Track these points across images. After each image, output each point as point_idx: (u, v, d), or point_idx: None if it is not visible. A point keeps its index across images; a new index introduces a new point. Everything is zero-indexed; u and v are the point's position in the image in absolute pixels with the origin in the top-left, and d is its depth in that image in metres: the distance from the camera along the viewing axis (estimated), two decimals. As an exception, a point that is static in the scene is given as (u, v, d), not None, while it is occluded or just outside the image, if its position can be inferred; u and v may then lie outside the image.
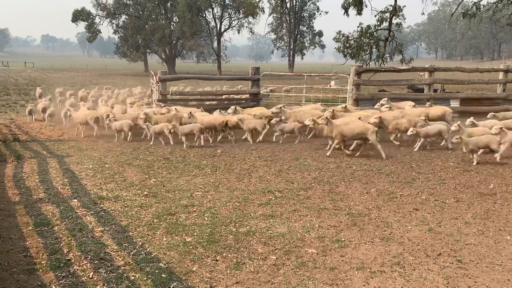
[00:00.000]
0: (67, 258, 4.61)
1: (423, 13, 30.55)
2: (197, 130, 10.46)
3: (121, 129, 11.18)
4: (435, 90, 17.22)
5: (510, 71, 16.26)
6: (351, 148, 9.98)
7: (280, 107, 11.47)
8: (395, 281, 4.20)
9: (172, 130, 10.64)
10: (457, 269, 4.45)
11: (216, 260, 4.61)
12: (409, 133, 9.83)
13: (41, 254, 4.69)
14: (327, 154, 9.66)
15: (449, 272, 4.39)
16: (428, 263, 4.58)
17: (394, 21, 25.51)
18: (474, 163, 8.85)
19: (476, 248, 4.94)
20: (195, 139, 10.79)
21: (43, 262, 4.52)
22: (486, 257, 4.71)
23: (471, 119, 10.46)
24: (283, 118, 11.17)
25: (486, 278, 4.26)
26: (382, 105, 12.24)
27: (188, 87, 22.55)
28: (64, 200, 6.50)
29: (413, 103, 12.30)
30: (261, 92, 17.15)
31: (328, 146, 9.99)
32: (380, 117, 10.27)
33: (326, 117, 9.61)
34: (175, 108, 11.93)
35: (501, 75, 16.32)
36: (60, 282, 4.13)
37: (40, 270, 4.36)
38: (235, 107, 12.27)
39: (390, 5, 24.91)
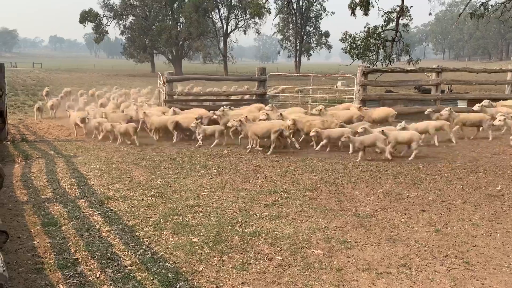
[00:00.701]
0: (75, 257, 4.65)
1: (431, 14, 30.46)
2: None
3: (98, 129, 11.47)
4: (442, 91, 17.11)
5: (518, 72, 16.14)
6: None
7: (223, 110, 11.61)
8: (402, 283, 4.18)
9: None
10: (464, 271, 4.43)
11: (222, 261, 4.62)
12: (311, 133, 9.99)
13: (48, 254, 4.73)
14: (247, 151, 9.97)
15: (456, 273, 4.36)
16: (435, 264, 4.56)
17: (401, 21, 25.45)
18: (358, 159, 9.30)
19: (483, 250, 4.91)
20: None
21: (51, 261, 4.55)
22: (494, 259, 4.68)
23: (403, 123, 10.28)
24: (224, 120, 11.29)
25: (494, 280, 4.23)
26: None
27: (199, 88, 22.71)
28: (72, 200, 6.55)
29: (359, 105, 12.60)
30: (269, 93, 17.18)
31: (249, 144, 10.25)
32: (294, 119, 10.45)
33: (240, 120, 10.06)
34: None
35: (509, 76, 16.20)
36: (67, 281, 4.16)
37: (48, 269, 4.39)
38: (223, 108, 12.22)
39: (397, 6, 24.83)
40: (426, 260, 4.65)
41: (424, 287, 4.11)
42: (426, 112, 12.05)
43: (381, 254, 4.79)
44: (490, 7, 25.61)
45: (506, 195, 6.86)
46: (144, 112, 11.81)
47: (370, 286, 4.13)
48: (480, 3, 25.42)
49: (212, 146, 10.61)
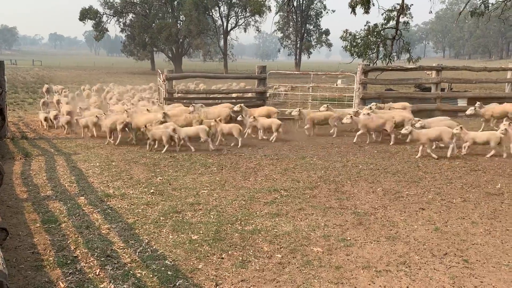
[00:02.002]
0: (74, 255, 4.65)
1: (431, 12, 30.45)
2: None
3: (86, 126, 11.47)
4: (443, 89, 17.11)
5: (518, 70, 16.13)
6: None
7: (196, 107, 11.91)
8: (401, 281, 4.19)
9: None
10: (463, 269, 4.43)
11: (222, 258, 4.63)
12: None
13: (48, 251, 4.74)
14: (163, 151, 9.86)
15: (455, 271, 4.37)
16: (434, 262, 4.57)
17: (401, 19, 25.33)
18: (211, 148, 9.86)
19: (482, 248, 4.92)
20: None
21: (51, 258, 4.56)
22: (493, 257, 4.69)
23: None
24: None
25: (493, 278, 4.24)
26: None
27: (202, 85, 22.85)
28: (71, 198, 6.55)
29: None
30: (271, 91, 17.22)
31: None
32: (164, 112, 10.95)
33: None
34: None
35: (509, 74, 16.20)
36: (67, 278, 4.16)
37: (48, 266, 4.40)
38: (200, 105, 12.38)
39: (398, 4, 24.74)
40: (425, 258, 4.66)
41: (423, 285, 4.12)
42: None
43: (381, 252, 4.80)
44: (490, 5, 25.52)
45: (506, 194, 6.87)
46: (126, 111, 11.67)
47: (369, 284, 4.14)
48: (481, 1, 25.35)
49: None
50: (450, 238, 5.18)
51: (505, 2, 24.03)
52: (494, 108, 12.32)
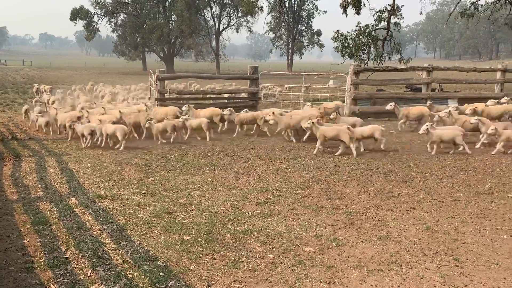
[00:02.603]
0: (65, 256, 4.62)
1: (421, 13, 30.63)
2: None
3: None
4: (433, 90, 17.24)
5: (507, 71, 16.32)
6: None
7: (147, 106, 12.42)
8: (392, 280, 4.22)
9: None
10: (453, 267, 4.47)
11: (214, 259, 4.62)
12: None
13: (39, 253, 4.70)
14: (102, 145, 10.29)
15: (445, 270, 4.41)
16: (425, 261, 4.60)
17: (392, 20, 25.51)
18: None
19: (472, 247, 4.96)
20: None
21: (41, 260, 4.52)
22: (483, 256, 4.74)
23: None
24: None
25: (483, 277, 4.28)
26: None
27: (195, 85, 22.88)
28: (62, 199, 6.50)
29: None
30: (266, 91, 17.24)
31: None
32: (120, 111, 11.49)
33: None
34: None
35: (498, 75, 16.37)
36: (58, 280, 4.13)
37: (38, 268, 4.36)
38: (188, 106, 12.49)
39: (389, 5, 24.92)
40: (417, 257, 4.69)
41: (415, 284, 4.15)
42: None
43: (372, 252, 4.82)
44: (480, 6, 25.80)
45: (495, 193, 6.94)
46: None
47: (361, 283, 4.16)
48: (470, 2, 25.61)
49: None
50: (440, 237, 5.22)
51: (494, 3, 24.28)
52: (410, 109, 12.68)
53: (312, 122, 9.75)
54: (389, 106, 12.59)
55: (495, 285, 4.13)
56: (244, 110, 12.89)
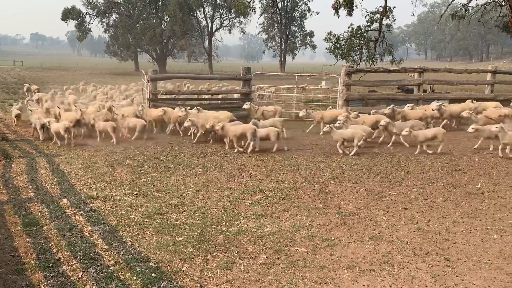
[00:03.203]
0: (56, 258, 4.59)
1: (413, 14, 30.92)
2: None
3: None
4: (425, 91, 17.36)
5: (497, 72, 16.48)
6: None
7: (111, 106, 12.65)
8: (384, 280, 4.24)
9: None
10: (445, 267, 4.51)
11: (207, 260, 4.62)
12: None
13: (29, 254, 4.66)
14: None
15: (437, 270, 4.44)
16: (417, 261, 4.63)
17: (384, 22, 25.68)
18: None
19: (463, 247, 5.01)
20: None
21: (32, 262, 4.49)
22: (473, 256, 4.78)
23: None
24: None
25: (473, 276, 4.32)
26: None
27: (189, 85, 22.87)
28: (53, 200, 6.46)
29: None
30: (262, 93, 17.26)
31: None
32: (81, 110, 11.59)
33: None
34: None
35: (489, 76, 16.52)
36: (49, 282, 4.10)
37: (29, 270, 4.33)
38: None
39: (381, 6, 25.09)
40: (408, 257, 4.72)
41: (406, 283, 4.18)
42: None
43: (364, 252, 4.84)
44: (470, 8, 26.04)
45: (486, 193, 7.00)
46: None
47: (353, 284, 4.17)
48: (461, 4, 25.84)
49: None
50: (432, 237, 5.26)
51: (485, 5, 24.51)
52: (324, 112, 13.05)
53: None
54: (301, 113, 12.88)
55: (486, 285, 4.17)
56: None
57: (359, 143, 9.72)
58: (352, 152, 9.71)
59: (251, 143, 9.95)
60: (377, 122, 11.15)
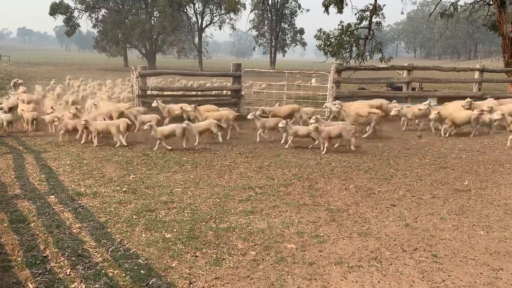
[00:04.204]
0: (44, 255, 4.55)
1: (403, 13, 31.07)
2: None
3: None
4: (413, 89, 17.49)
5: (485, 71, 16.66)
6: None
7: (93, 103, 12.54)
8: (372, 276, 4.28)
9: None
10: (432, 263, 4.56)
11: (196, 256, 4.61)
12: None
13: (16, 251, 4.61)
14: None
15: (424, 266, 4.49)
16: (405, 257, 4.68)
17: (374, 19, 25.83)
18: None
19: (450, 243, 5.07)
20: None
21: (19, 259, 4.44)
22: (460, 252, 4.84)
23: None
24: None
25: (460, 272, 4.38)
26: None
27: (183, 81, 22.77)
28: (41, 197, 6.39)
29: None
30: (256, 90, 17.27)
31: None
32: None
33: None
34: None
35: (476, 75, 16.70)
36: (36, 279, 4.06)
37: (16, 267, 4.28)
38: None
39: (370, 4, 25.21)
40: (396, 254, 4.76)
41: (394, 279, 4.22)
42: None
43: (353, 248, 4.88)
44: (459, 7, 26.29)
45: (473, 190, 7.09)
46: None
47: (341, 280, 4.20)
48: (450, 3, 26.07)
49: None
50: (419, 234, 5.31)
51: (473, 4, 24.75)
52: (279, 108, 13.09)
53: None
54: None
55: (472, 280, 4.23)
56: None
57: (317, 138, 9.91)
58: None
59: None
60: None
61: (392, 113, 12.33)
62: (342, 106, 12.04)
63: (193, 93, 17.08)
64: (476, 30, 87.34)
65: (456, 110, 12.23)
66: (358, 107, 12.00)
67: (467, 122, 11.72)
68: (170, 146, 9.80)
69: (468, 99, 12.81)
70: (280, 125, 10.22)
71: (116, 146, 9.99)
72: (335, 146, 10.17)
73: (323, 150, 9.70)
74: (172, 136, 9.83)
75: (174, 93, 15.93)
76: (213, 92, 16.91)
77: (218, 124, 10.47)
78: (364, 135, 11.41)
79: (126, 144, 10.02)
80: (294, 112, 12.63)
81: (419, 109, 12.51)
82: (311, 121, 10.21)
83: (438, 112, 11.64)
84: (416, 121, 13.04)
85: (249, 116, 11.08)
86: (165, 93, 15.44)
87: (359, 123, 11.31)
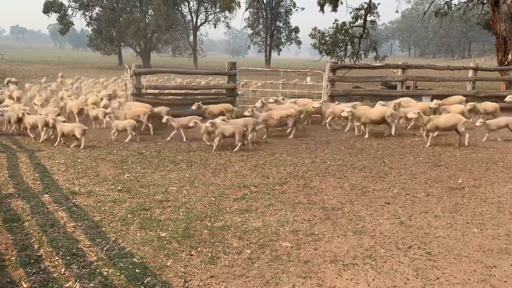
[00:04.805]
0: (38, 254, 4.52)
1: (397, 11, 31.22)
2: None
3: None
4: (408, 87, 17.55)
5: (479, 69, 16.74)
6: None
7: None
8: (367, 273, 4.29)
9: None
10: (426, 261, 4.58)
11: (191, 255, 4.61)
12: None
13: (10, 251, 4.58)
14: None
15: (418, 264, 4.51)
16: (399, 255, 4.70)
17: (368, 18, 25.92)
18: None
19: (444, 241, 5.09)
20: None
21: (13, 258, 4.42)
22: (454, 249, 4.87)
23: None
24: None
25: (454, 269, 4.41)
26: None
27: (179, 79, 22.78)
28: (35, 195, 6.36)
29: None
30: (254, 89, 17.27)
31: None
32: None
33: None
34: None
35: (470, 73, 16.78)
36: (30, 278, 4.04)
37: (10, 266, 4.26)
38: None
39: (365, 3, 25.28)
40: (391, 251, 4.79)
41: (389, 277, 4.24)
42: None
43: (348, 246, 4.89)
44: (453, 6, 26.43)
45: (466, 188, 7.13)
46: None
47: (336, 277, 4.22)
48: (444, 2, 26.20)
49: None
50: (414, 232, 5.34)
51: (467, 3, 24.87)
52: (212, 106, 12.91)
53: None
54: (194, 106, 12.37)
55: (466, 277, 4.25)
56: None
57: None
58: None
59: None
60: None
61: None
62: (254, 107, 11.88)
63: (190, 91, 17.02)
64: (470, 28, 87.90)
65: (368, 108, 11.90)
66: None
67: (382, 120, 11.33)
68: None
69: (436, 101, 12.54)
70: (191, 124, 10.28)
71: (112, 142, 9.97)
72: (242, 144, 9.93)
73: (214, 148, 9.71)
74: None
75: (170, 91, 15.86)
76: (213, 91, 16.83)
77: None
78: (290, 136, 11.36)
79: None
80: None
81: (313, 107, 12.46)
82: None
83: (351, 111, 11.32)
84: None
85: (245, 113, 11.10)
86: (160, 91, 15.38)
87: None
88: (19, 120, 10.70)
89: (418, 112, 10.45)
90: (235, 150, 9.54)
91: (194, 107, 12.17)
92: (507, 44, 18.67)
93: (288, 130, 11.56)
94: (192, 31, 61.31)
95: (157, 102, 13.46)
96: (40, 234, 5.00)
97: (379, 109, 11.63)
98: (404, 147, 10.34)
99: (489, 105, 12.85)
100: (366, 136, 11.40)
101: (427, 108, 11.93)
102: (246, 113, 11.09)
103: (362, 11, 25.61)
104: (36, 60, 64.46)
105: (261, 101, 12.40)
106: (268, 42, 66.34)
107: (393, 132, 11.40)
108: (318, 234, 5.21)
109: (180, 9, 58.33)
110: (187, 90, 16.57)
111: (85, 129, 9.67)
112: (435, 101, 12.58)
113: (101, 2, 56.89)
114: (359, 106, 12.08)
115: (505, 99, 13.85)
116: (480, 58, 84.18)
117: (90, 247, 4.73)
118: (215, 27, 62.71)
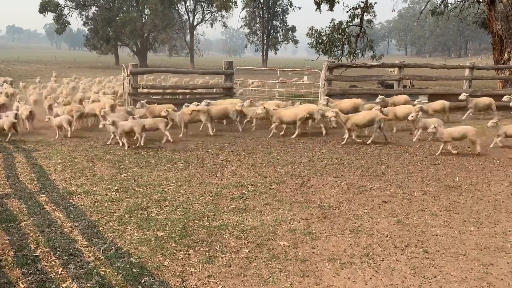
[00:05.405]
0: (35, 254, 4.51)
1: (394, 10, 31.29)
2: None
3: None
4: (404, 86, 17.57)
5: (475, 68, 16.78)
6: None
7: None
8: (364, 272, 4.30)
9: None
10: (423, 259, 4.60)
11: (188, 254, 4.60)
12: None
13: (7, 251, 4.57)
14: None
15: (416, 262, 4.52)
16: (396, 254, 4.71)
17: (365, 17, 25.93)
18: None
19: (441, 239, 5.11)
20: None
21: (10, 258, 4.40)
22: (451, 247, 4.88)
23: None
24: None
25: (451, 267, 4.42)
26: None
27: (176, 79, 22.78)
28: (32, 196, 6.34)
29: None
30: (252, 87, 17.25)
31: None
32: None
33: None
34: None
35: (467, 72, 16.82)
36: (27, 278, 4.03)
37: (6, 267, 4.25)
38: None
39: (362, 2, 25.30)
40: (388, 250, 4.80)
41: (386, 275, 4.24)
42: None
43: (345, 245, 4.90)
44: (449, 5, 26.50)
45: (463, 186, 7.15)
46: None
47: (334, 276, 4.22)
48: (440, 1, 26.26)
49: None
50: (411, 230, 5.35)
51: (463, 2, 24.93)
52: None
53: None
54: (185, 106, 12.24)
55: (463, 276, 4.27)
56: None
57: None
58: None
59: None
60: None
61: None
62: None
63: (187, 90, 16.99)
64: (466, 27, 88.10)
65: (282, 109, 11.71)
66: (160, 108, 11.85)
67: (293, 121, 11.06)
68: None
69: (324, 97, 12.42)
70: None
71: (107, 143, 9.95)
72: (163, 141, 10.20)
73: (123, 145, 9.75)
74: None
75: (166, 91, 15.85)
76: (214, 90, 16.80)
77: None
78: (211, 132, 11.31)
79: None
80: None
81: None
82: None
83: (264, 107, 11.03)
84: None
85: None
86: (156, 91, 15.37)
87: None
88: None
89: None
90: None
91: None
92: (503, 42, 18.70)
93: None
94: (189, 31, 61.19)
95: (157, 101, 13.44)
96: (37, 234, 4.99)
97: (292, 111, 11.29)
98: (401, 146, 10.36)
99: (438, 104, 12.94)
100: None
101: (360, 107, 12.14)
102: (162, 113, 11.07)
103: (359, 10, 25.63)
104: (32, 60, 64.19)
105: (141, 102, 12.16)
106: (265, 41, 66.27)
107: (296, 134, 11.17)
108: (315, 233, 5.22)
109: (176, 8, 58.20)
110: (183, 90, 16.54)
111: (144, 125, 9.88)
112: (323, 97, 12.92)
113: (98, 1, 56.69)
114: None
115: (503, 99, 13.88)
116: (477, 56, 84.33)
117: (87, 247, 4.72)
118: (212, 26, 62.58)
